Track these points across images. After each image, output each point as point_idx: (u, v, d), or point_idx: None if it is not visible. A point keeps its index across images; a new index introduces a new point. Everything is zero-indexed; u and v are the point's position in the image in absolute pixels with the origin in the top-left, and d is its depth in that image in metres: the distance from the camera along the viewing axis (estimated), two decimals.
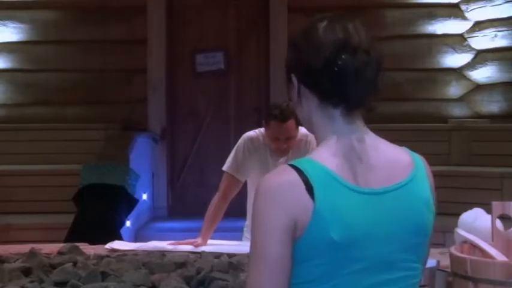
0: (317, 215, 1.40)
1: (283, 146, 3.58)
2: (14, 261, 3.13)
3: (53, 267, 3.00)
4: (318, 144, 1.54)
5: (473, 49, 7.24)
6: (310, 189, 1.40)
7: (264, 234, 1.41)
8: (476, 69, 7.24)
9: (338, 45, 1.46)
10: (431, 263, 2.65)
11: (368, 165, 1.47)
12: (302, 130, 3.63)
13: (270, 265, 1.40)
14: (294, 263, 1.42)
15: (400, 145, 1.58)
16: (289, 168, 1.44)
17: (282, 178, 1.43)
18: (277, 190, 1.42)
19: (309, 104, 1.53)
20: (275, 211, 1.41)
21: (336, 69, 1.45)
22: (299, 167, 1.43)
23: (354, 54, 1.46)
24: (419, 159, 1.56)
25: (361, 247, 1.43)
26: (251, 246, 1.44)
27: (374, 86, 1.48)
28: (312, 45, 1.49)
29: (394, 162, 1.51)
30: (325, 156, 1.46)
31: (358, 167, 1.46)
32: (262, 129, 3.74)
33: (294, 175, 1.42)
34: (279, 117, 3.52)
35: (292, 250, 1.41)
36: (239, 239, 3.92)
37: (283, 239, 1.40)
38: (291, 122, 3.52)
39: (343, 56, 1.45)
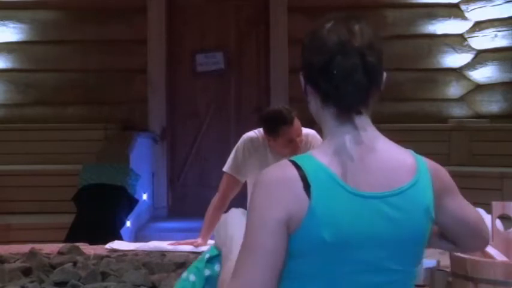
0: (311, 213, 1.41)
1: (296, 145, 3.56)
2: (14, 261, 3.13)
3: (53, 267, 3.01)
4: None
5: (473, 49, 7.24)
6: (307, 187, 1.42)
7: (259, 226, 1.42)
8: (476, 69, 7.23)
9: (336, 46, 1.47)
10: (431, 263, 2.66)
11: (362, 167, 1.46)
12: (303, 130, 3.65)
13: (263, 257, 1.41)
14: (287, 257, 1.43)
15: (400, 145, 1.56)
16: (289, 164, 1.46)
17: (281, 173, 1.45)
18: (276, 184, 1.43)
19: (315, 102, 1.55)
20: (272, 204, 1.42)
21: (333, 71, 1.46)
22: (298, 163, 1.45)
23: (347, 57, 1.46)
24: (424, 164, 1.53)
25: (352, 250, 1.43)
26: (244, 237, 1.44)
27: (366, 92, 1.47)
28: (315, 46, 1.51)
29: (395, 165, 1.49)
30: (321, 155, 1.47)
31: (349, 168, 1.45)
32: (261, 130, 3.73)
33: (293, 171, 1.44)
34: (287, 121, 3.53)
35: (287, 244, 1.42)
36: None
37: (278, 232, 1.41)
38: (297, 120, 3.57)
39: (337, 57, 1.46)
